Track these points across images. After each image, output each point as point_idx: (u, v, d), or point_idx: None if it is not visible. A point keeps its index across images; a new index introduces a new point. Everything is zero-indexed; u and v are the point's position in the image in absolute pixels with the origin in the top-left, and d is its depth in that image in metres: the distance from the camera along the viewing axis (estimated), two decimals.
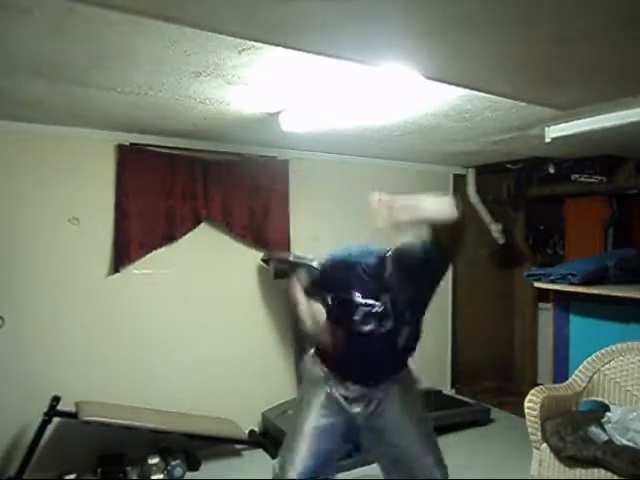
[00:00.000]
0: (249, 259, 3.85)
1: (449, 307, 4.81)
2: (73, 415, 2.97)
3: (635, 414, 2.66)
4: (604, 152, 3.96)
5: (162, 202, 3.48)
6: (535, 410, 2.74)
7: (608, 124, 2.77)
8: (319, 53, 1.93)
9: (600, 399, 2.99)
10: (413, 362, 2.22)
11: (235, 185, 3.71)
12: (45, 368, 3.19)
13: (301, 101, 2.65)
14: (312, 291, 2.23)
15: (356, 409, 2.09)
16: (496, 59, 2.03)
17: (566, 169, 4.31)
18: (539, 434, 2.73)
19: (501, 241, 5.01)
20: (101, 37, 1.83)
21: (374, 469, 2.34)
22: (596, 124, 2.82)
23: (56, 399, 2.95)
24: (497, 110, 2.76)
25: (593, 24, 1.69)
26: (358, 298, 2.04)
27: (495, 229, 4.97)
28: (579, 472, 2.55)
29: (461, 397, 4.57)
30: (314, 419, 2.07)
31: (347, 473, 3.14)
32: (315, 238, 3.93)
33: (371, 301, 2.03)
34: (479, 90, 2.41)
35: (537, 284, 3.98)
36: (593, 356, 3.05)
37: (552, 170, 4.36)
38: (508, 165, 4.57)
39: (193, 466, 3.29)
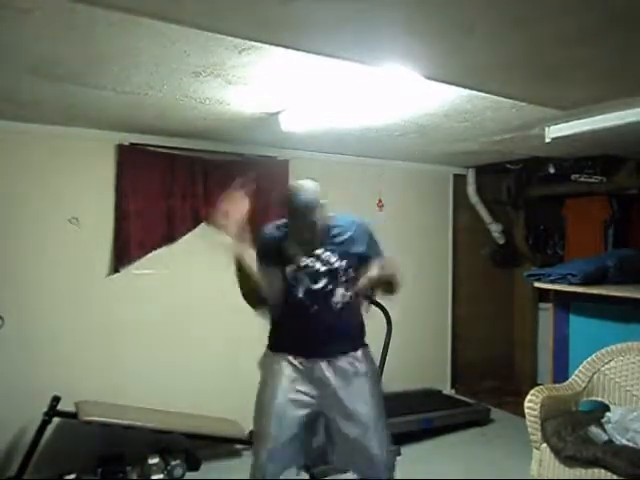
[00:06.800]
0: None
1: (449, 307, 4.80)
2: (73, 415, 2.96)
3: (635, 414, 2.66)
4: (604, 152, 3.96)
5: (162, 202, 3.49)
6: (535, 410, 2.74)
7: (608, 124, 2.77)
8: (319, 53, 1.93)
9: (600, 399, 2.98)
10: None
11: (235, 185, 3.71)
12: (45, 368, 3.18)
13: (301, 101, 2.65)
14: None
15: (310, 384, 2.16)
16: (496, 59, 2.03)
17: (566, 169, 4.31)
18: (539, 434, 2.72)
19: (501, 241, 5.02)
20: (101, 37, 1.83)
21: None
22: (596, 124, 2.82)
23: (56, 399, 2.95)
24: (497, 110, 2.76)
25: (593, 24, 1.69)
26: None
27: (495, 229, 4.99)
28: (579, 472, 2.54)
29: (461, 397, 4.56)
30: (275, 397, 2.20)
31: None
32: None
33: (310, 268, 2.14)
34: (479, 90, 2.41)
35: (537, 284, 3.97)
36: (593, 356, 3.05)
37: (552, 170, 4.37)
38: (508, 165, 4.57)
39: (193, 466, 3.29)
